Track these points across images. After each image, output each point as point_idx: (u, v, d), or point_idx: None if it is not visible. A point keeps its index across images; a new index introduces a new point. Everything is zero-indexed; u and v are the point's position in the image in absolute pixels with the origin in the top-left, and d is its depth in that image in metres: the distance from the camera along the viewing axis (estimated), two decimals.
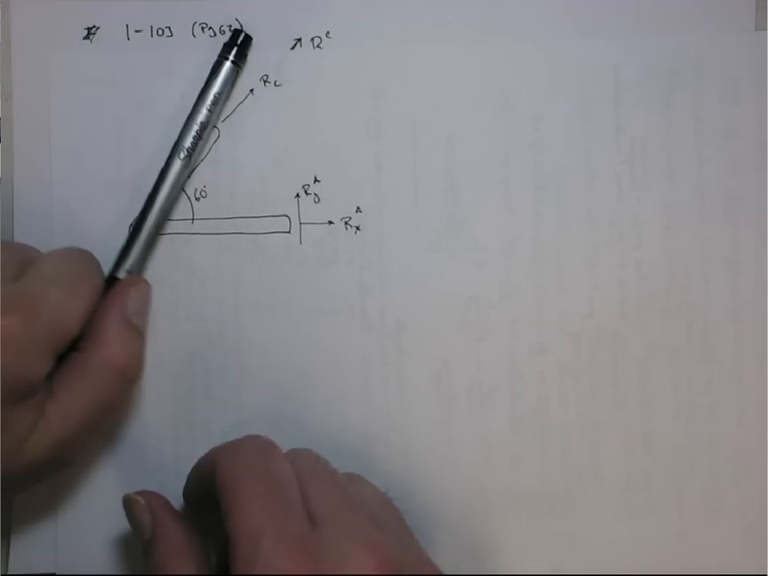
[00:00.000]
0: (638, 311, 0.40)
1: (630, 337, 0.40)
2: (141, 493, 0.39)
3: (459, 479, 0.41)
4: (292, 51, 0.41)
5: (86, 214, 0.41)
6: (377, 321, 0.41)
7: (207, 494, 0.35)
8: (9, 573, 0.42)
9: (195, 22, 0.41)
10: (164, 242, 0.41)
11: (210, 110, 0.39)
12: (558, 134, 0.41)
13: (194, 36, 0.41)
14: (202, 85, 0.40)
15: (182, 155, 0.39)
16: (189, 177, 0.40)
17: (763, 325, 0.40)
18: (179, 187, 0.40)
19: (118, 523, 0.41)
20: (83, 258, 0.38)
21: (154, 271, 0.41)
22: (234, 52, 0.39)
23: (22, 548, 0.42)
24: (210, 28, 0.41)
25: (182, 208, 0.41)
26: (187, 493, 0.39)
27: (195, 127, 0.39)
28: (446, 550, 0.41)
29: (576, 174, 0.41)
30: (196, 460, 0.41)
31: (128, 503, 0.38)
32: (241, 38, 0.40)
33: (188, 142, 0.39)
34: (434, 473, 0.41)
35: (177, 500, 0.41)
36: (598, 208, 0.41)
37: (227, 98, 0.40)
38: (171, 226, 0.41)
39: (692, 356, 0.40)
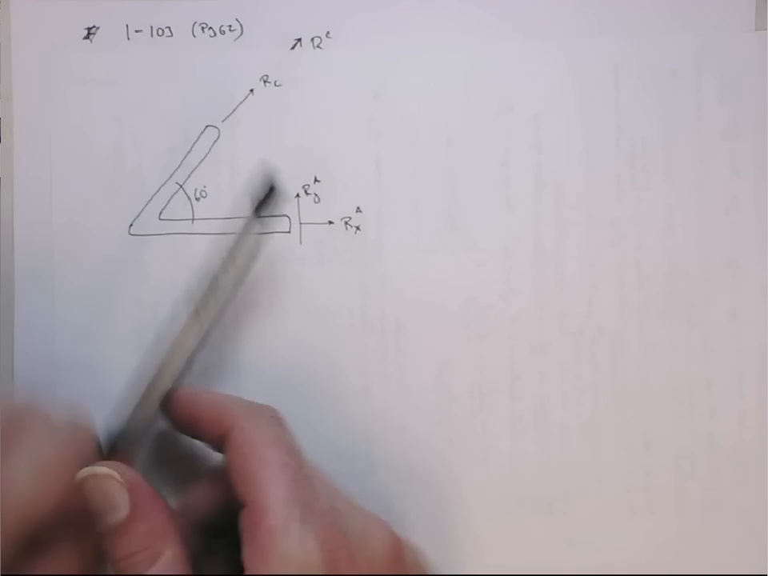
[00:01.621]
0: (638, 311, 0.40)
1: (630, 337, 0.40)
2: (109, 464, 0.33)
3: (459, 479, 0.41)
4: (292, 51, 0.41)
5: (87, 214, 0.41)
6: (377, 321, 0.41)
7: (197, 432, 0.35)
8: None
9: (195, 22, 0.41)
10: (164, 242, 0.41)
11: (230, 267, 0.37)
12: (557, 133, 0.41)
13: (194, 36, 0.41)
14: (202, 85, 0.40)
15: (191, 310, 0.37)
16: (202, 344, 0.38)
17: (763, 324, 0.40)
18: (189, 351, 0.37)
19: None
20: (72, 439, 0.34)
21: (155, 271, 0.42)
22: (266, 208, 0.37)
23: None
24: (210, 28, 0.41)
25: (182, 208, 0.41)
26: (170, 414, 0.37)
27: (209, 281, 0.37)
28: (446, 550, 0.41)
29: (576, 173, 0.41)
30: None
31: (95, 479, 0.33)
32: (271, 192, 0.37)
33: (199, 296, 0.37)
34: (434, 473, 0.41)
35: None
36: (598, 208, 0.41)
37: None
38: (171, 226, 0.41)
39: (692, 356, 0.40)
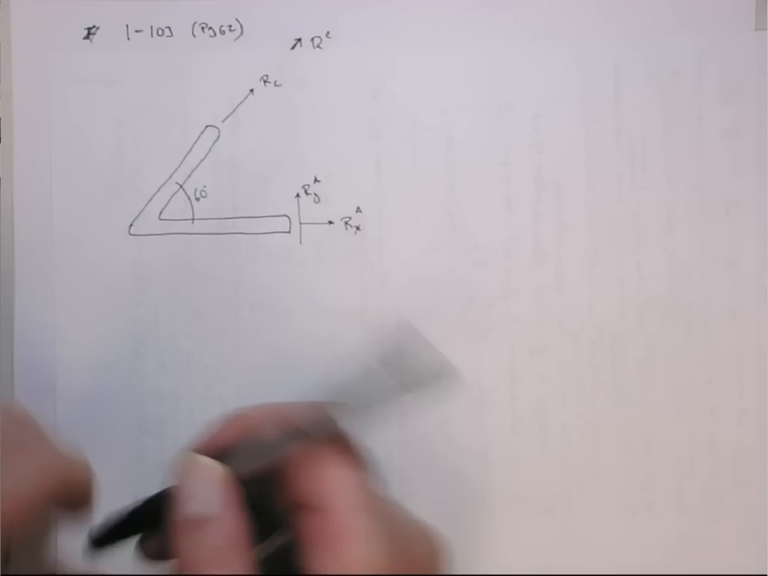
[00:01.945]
0: (638, 311, 0.40)
1: (630, 337, 0.40)
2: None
3: (459, 479, 0.41)
4: (292, 51, 0.41)
5: (87, 214, 0.41)
6: (377, 321, 0.41)
7: None
8: (9, 573, 0.42)
9: (195, 22, 0.41)
10: (164, 242, 0.41)
11: None
12: (558, 133, 0.40)
13: (194, 36, 0.41)
14: (202, 85, 0.40)
15: None
16: None
17: (763, 324, 0.40)
18: None
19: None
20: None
21: (154, 271, 0.42)
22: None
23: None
24: (210, 28, 0.41)
25: (182, 208, 0.41)
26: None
27: None
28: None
29: (576, 173, 0.41)
30: None
31: (197, 465, 0.33)
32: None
33: None
34: (434, 473, 0.41)
35: None
36: (598, 208, 0.40)
37: None
38: (171, 226, 0.41)
39: (692, 356, 0.40)
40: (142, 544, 0.35)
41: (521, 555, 0.41)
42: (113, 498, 0.42)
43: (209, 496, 0.31)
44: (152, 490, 0.41)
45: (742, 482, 0.40)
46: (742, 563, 0.40)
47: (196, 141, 0.41)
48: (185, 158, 0.41)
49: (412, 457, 0.41)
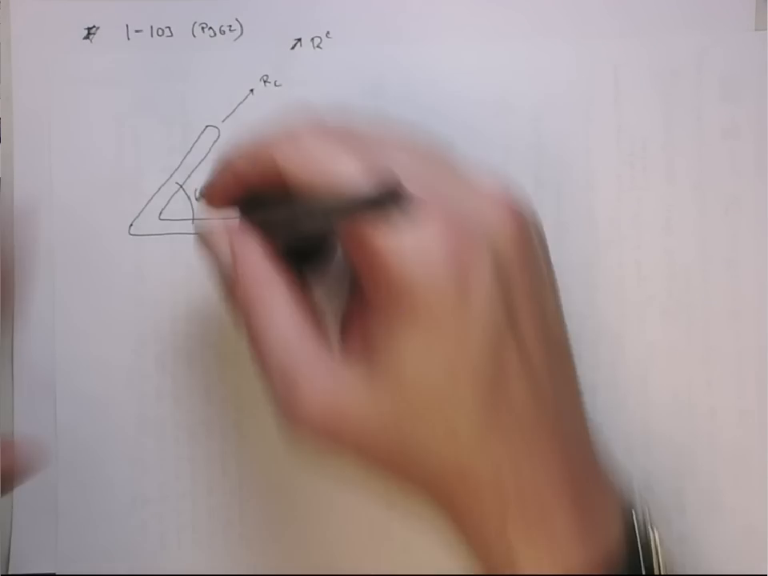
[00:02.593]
0: (638, 311, 0.40)
1: (630, 337, 0.40)
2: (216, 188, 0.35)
3: None
4: (292, 51, 0.41)
5: (86, 214, 0.41)
6: None
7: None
8: (9, 573, 0.42)
9: (195, 22, 0.41)
10: (164, 242, 0.41)
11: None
12: (557, 134, 0.40)
13: (194, 36, 0.41)
14: (202, 85, 0.40)
15: None
16: None
17: (763, 324, 0.40)
18: None
19: (118, 523, 0.42)
20: None
21: (154, 275, 0.42)
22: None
23: (21, 548, 0.42)
24: (210, 28, 0.41)
25: (181, 208, 0.41)
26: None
27: None
28: (447, 548, 0.41)
29: (576, 174, 0.40)
30: (195, 460, 0.42)
31: (202, 234, 0.35)
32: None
33: None
34: None
35: (175, 501, 0.42)
36: (598, 208, 0.40)
37: None
38: (171, 226, 0.41)
39: (692, 356, 0.40)
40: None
41: None
42: (113, 499, 0.42)
43: (225, 256, 0.33)
44: (151, 489, 0.42)
45: (742, 481, 0.40)
46: (742, 563, 0.40)
47: (196, 141, 0.41)
48: (185, 158, 0.41)
49: None
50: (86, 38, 0.41)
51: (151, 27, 0.41)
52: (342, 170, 0.30)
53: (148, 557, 0.42)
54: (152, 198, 0.41)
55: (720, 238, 0.40)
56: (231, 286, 0.34)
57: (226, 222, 0.34)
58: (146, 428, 0.42)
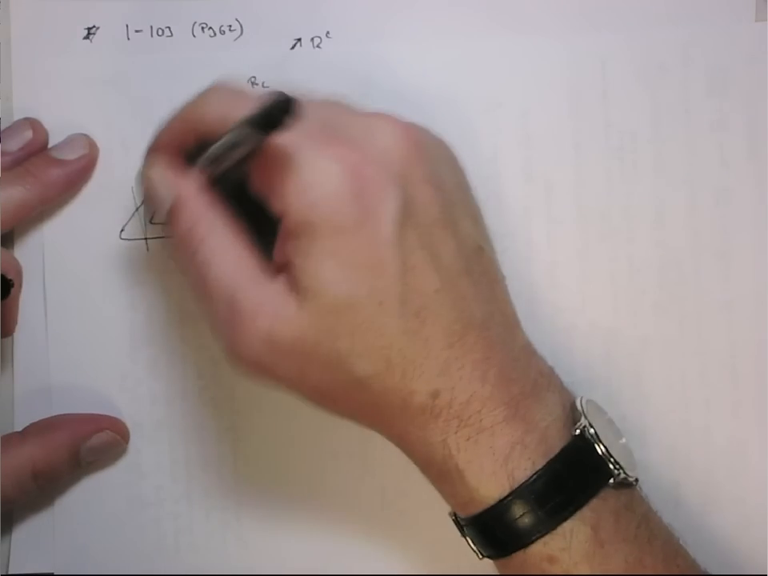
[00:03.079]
0: (630, 305, 0.41)
1: (623, 331, 0.41)
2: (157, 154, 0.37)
3: None
4: (292, 51, 0.41)
5: (77, 219, 0.42)
6: None
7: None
8: (8, 573, 0.41)
9: (195, 22, 0.41)
10: (155, 246, 0.42)
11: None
12: (547, 129, 0.41)
13: (194, 36, 0.41)
14: (201, 85, 0.41)
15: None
16: None
17: (756, 316, 0.40)
18: None
19: (115, 524, 0.42)
20: None
21: (145, 279, 0.42)
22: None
23: (20, 548, 0.42)
24: (210, 28, 0.41)
25: None
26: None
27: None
28: (445, 548, 0.41)
29: (565, 168, 0.41)
30: (191, 463, 0.42)
31: (144, 169, 0.37)
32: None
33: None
34: None
35: (172, 504, 0.41)
36: (588, 202, 0.41)
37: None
38: (162, 230, 0.41)
39: (685, 349, 0.40)
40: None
41: None
42: (108, 501, 0.42)
43: (167, 185, 0.35)
44: (148, 492, 0.41)
45: (738, 474, 0.40)
46: (740, 556, 0.40)
47: None
48: None
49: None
50: (86, 37, 0.41)
51: (151, 27, 0.41)
52: (244, 109, 0.32)
53: (145, 559, 0.42)
54: (143, 202, 0.41)
55: (711, 230, 0.40)
56: (170, 221, 0.35)
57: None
58: (141, 431, 0.42)
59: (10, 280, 0.39)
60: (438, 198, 0.34)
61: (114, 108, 0.41)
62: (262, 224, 0.35)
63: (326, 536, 0.42)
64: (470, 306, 0.34)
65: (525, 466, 0.33)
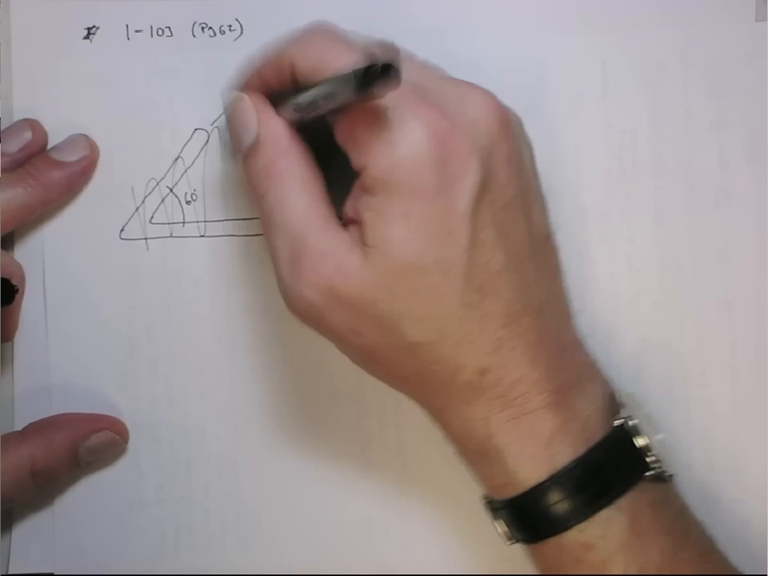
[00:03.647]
0: (630, 305, 0.41)
1: (623, 331, 0.41)
2: (245, 90, 0.36)
3: (456, 477, 0.40)
4: None
5: (77, 219, 0.42)
6: None
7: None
8: (8, 573, 0.41)
9: (195, 22, 0.41)
10: (155, 246, 0.42)
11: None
12: (546, 129, 0.40)
13: (194, 36, 0.41)
14: (194, 86, 0.41)
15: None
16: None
17: (755, 316, 0.40)
18: None
19: (115, 524, 0.42)
20: None
21: (146, 279, 0.42)
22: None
23: (20, 548, 0.42)
24: (210, 28, 0.41)
25: (172, 212, 0.42)
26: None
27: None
28: (445, 547, 0.41)
29: (565, 168, 0.41)
30: (191, 463, 0.42)
31: (233, 101, 0.36)
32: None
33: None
34: (430, 471, 0.41)
35: (172, 504, 0.41)
36: (588, 202, 0.41)
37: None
38: (162, 230, 0.42)
39: (685, 349, 0.40)
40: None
41: (519, 552, 0.40)
42: (108, 501, 0.42)
43: (247, 125, 0.35)
44: (148, 493, 0.41)
45: (738, 474, 0.40)
46: (740, 556, 0.40)
47: (186, 143, 0.41)
48: (175, 161, 0.41)
49: (407, 455, 0.41)
50: (86, 37, 0.41)
51: (151, 27, 0.41)
52: (343, 61, 0.32)
53: (145, 559, 0.42)
54: (143, 202, 0.42)
55: (710, 231, 0.40)
56: (248, 155, 0.35)
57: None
58: (141, 431, 0.42)
59: (15, 286, 0.39)
60: (516, 179, 0.34)
61: (113, 108, 0.41)
62: (336, 174, 0.35)
63: (326, 536, 0.42)
64: (530, 291, 0.34)
65: (565, 453, 0.33)
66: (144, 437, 0.42)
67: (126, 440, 0.42)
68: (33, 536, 0.42)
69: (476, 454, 0.35)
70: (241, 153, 0.36)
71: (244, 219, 0.41)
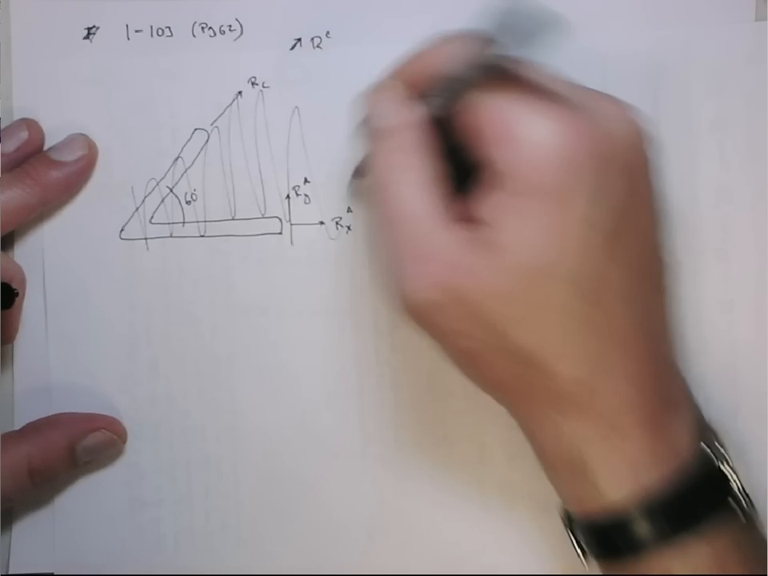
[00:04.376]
0: None
1: None
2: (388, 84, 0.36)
3: (455, 476, 0.41)
4: (292, 51, 0.41)
5: (77, 219, 0.42)
6: (370, 319, 0.41)
7: None
8: (9, 573, 0.41)
9: (195, 22, 0.41)
10: (155, 246, 0.42)
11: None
12: None
13: (194, 36, 0.41)
14: (194, 86, 0.41)
15: None
16: None
17: (755, 316, 0.40)
18: None
19: (115, 527, 0.42)
20: None
21: (145, 279, 0.42)
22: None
23: (20, 548, 0.42)
24: (210, 28, 0.41)
25: (172, 211, 0.42)
26: None
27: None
28: (443, 547, 0.41)
29: None
30: (191, 464, 0.42)
31: (381, 84, 0.36)
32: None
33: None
34: (429, 471, 0.41)
35: (172, 504, 0.41)
36: None
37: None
38: (162, 230, 0.42)
39: (685, 349, 0.40)
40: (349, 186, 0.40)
41: (518, 552, 0.41)
42: (108, 501, 0.42)
43: (391, 110, 0.34)
44: (148, 493, 0.41)
45: (740, 476, 0.39)
46: None
47: (186, 143, 0.41)
48: (175, 161, 0.42)
49: (407, 454, 0.41)
50: (86, 37, 0.41)
51: (151, 27, 0.41)
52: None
53: (145, 560, 0.42)
54: (143, 202, 0.42)
55: (711, 230, 0.40)
56: (379, 140, 0.35)
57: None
58: (141, 431, 0.42)
59: (15, 290, 0.39)
60: (644, 197, 0.34)
61: (114, 108, 0.41)
62: (453, 169, 0.35)
63: (326, 536, 0.42)
64: (638, 308, 0.33)
65: (653, 475, 0.33)
66: (144, 437, 0.42)
67: (123, 440, 0.42)
68: (33, 536, 0.42)
69: (561, 464, 0.34)
70: (372, 137, 0.35)
71: (244, 219, 0.41)
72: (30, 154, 0.40)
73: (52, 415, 0.41)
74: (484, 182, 0.33)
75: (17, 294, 0.40)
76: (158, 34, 0.41)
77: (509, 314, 0.32)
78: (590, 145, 0.32)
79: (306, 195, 0.41)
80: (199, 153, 0.42)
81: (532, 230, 0.31)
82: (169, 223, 0.42)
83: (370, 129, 0.35)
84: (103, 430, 0.41)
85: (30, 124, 0.40)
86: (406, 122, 0.34)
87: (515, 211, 0.32)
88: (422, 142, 0.34)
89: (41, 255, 0.42)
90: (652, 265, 0.35)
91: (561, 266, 0.32)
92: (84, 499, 0.42)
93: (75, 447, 0.40)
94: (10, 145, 0.40)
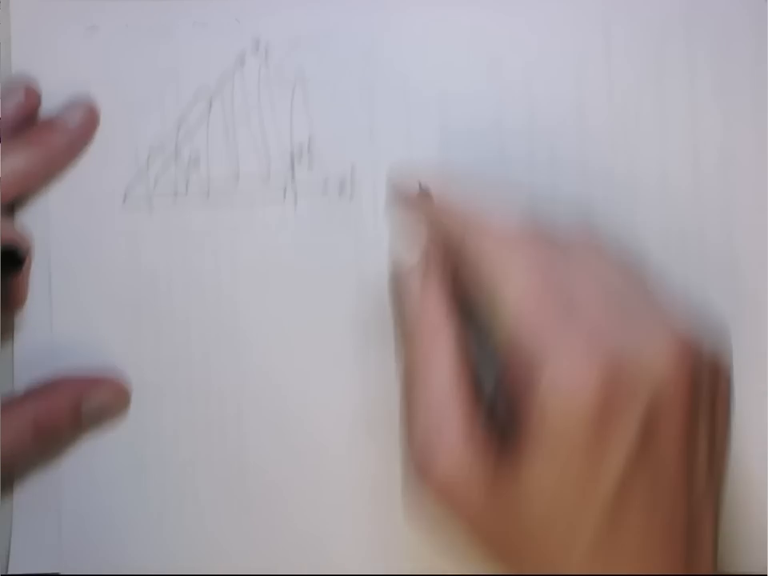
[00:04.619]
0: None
1: None
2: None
3: None
4: (296, 11, 0.41)
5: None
6: (373, 284, 0.41)
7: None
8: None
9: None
10: (158, 214, 0.42)
11: None
12: (550, 91, 0.40)
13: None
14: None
15: None
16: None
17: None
18: None
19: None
20: None
21: (150, 244, 0.42)
22: None
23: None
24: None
25: (174, 179, 0.41)
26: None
27: None
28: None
29: (569, 131, 0.40)
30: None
31: (411, 264, 0.36)
32: None
33: None
34: None
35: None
36: (592, 165, 0.40)
37: None
38: (165, 198, 0.41)
39: None
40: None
41: None
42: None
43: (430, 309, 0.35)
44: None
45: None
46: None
47: (188, 109, 0.41)
48: (179, 125, 0.42)
49: None
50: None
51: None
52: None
53: (149, 527, 0.41)
54: (146, 171, 0.41)
55: (715, 194, 0.40)
56: (404, 323, 0.35)
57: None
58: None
59: (23, 257, 0.40)
60: (686, 445, 0.31)
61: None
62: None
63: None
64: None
65: None
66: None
67: (128, 400, 0.41)
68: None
69: None
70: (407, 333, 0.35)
71: (248, 181, 0.41)
72: (27, 117, 0.40)
73: (56, 376, 0.41)
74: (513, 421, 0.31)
75: (23, 260, 0.40)
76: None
77: (516, 545, 0.31)
78: (620, 390, 0.29)
79: (310, 161, 0.41)
80: (202, 119, 0.42)
81: (550, 476, 0.30)
82: (172, 187, 0.41)
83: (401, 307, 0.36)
84: (108, 389, 0.40)
85: (27, 88, 0.40)
86: (435, 297, 0.35)
87: (535, 456, 0.30)
88: (448, 317, 0.34)
89: (46, 220, 0.41)
90: (698, 515, 0.32)
91: (577, 516, 0.30)
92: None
93: (81, 407, 0.40)
94: (9, 110, 0.40)
